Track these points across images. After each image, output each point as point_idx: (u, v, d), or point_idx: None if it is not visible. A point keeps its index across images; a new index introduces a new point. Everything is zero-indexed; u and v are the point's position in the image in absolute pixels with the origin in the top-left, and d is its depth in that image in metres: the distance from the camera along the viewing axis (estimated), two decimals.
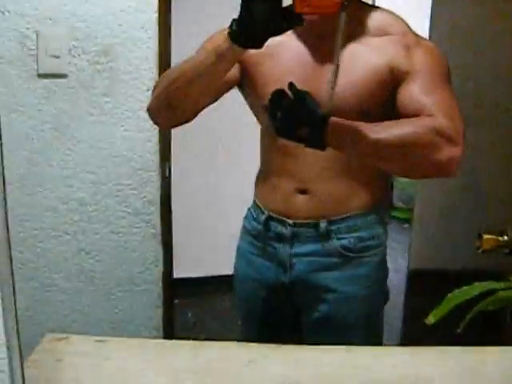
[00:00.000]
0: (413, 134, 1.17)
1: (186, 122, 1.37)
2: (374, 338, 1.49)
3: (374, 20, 1.33)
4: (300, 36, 1.35)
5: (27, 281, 1.92)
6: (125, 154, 1.91)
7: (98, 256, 1.98)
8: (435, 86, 1.24)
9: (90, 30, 1.81)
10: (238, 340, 1.39)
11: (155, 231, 1.99)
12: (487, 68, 2.91)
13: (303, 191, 1.39)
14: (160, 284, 2.04)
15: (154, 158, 1.93)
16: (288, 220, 1.42)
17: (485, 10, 2.81)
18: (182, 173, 2.68)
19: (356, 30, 1.30)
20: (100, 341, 1.27)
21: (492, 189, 2.98)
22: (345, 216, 1.40)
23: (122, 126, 1.89)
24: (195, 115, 1.36)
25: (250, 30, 1.07)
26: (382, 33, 1.31)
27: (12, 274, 0.77)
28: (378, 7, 1.39)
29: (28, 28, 1.78)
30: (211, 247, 3.32)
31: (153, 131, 1.89)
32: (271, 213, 1.45)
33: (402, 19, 1.35)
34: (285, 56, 1.35)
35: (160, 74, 1.79)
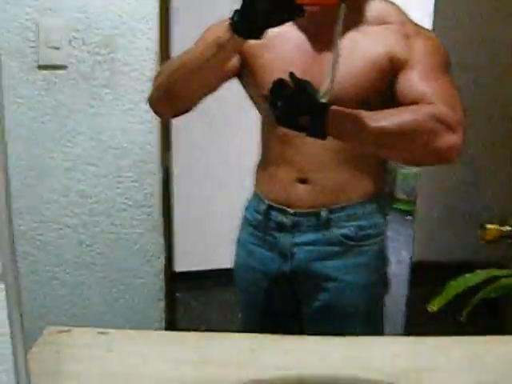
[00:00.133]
0: (413, 122, 1.17)
1: (187, 111, 1.38)
2: (374, 327, 1.50)
3: (372, 9, 1.33)
4: (300, 26, 1.35)
5: (27, 274, 1.92)
6: (125, 146, 1.91)
7: (99, 249, 1.98)
8: (435, 74, 1.24)
9: (90, 20, 1.80)
10: (239, 332, 1.40)
11: (156, 223, 1.99)
12: (488, 61, 2.91)
13: (303, 180, 1.40)
14: (161, 276, 2.04)
15: (155, 150, 1.93)
16: (289, 209, 1.42)
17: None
18: (182, 164, 2.68)
19: (355, 20, 1.30)
20: (102, 333, 1.27)
21: (494, 180, 2.98)
22: (345, 205, 1.41)
23: (123, 117, 1.88)
24: (195, 105, 1.37)
25: (251, 20, 1.08)
26: (381, 22, 1.31)
27: (15, 264, 0.76)
28: None
29: (28, 19, 1.77)
30: (212, 240, 3.32)
31: (153, 122, 1.89)
32: (272, 202, 1.45)
33: (400, 9, 1.34)
34: (285, 46, 1.35)
35: (160, 65, 1.78)
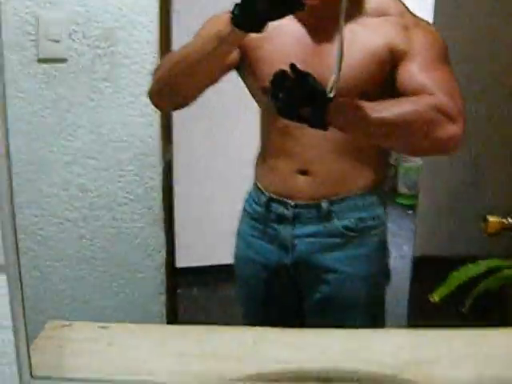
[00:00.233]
0: (414, 112, 1.18)
1: (187, 105, 1.38)
2: (376, 319, 1.50)
3: (371, 1, 1.33)
4: (300, 19, 1.35)
5: (27, 269, 1.91)
6: (126, 139, 1.90)
7: (100, 243, 1.97)
8: (435, 65, 1.25)
9: (90, 14, 1.79)
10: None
11: (157, 217, 1.99)
12: (488, 52, 2.89)
13: (304, 172, 1.40)
14: (162, 270, 2.04)
15: (156, 143, 1.92)
16: (289, 201, 1.43)
17: None
18: (183, 158, 2.67)
19: (354, 11, 1.31)
20: (103, 327, 1.28)
21: (496, 173, 2.97)
22: (346, 196, 1.41)
23: (123, 110, 1.88)
24: (196, 98, 1.37)
25: (251, 14, 1.08)
26: (380, 14, 1.32)
27: (18, 257, 0.76)
28: None
29: (27, 12, 1.76)
30: (213, 235, 3.31)
31: (154, 115, 1.88)
32: (272, 194, 1.46)
33: (399, 0, 1.35)
34: (284, 39, 1.36)
35: (161, 58, 1.78)
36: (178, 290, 2.36)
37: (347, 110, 1.16)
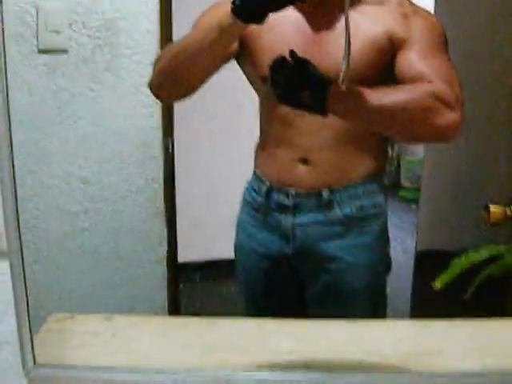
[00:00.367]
0: (412, 100, 1.19)
1: (188, 95, 1.38)
2: (377, 308, 1.51)
3: None
4: (300, 9, 1.35)
5: (29, 262, 1.90)
6: (127, 130, 1.89)
7: (102, 236, 1.97)
8: (433, 53, 1.26)
9: (91, 4, 1.78)
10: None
11: (159, 210, 1.98)
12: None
13: (305, 161, 1.40)
14: (164, 264, 2.04)
15: (157, 134, 1.92)
16: (290, 190, 1.43)
17: None
18: (184, 149, 2.65)
19: (353, 0, 1.29)
20: (107, 318, 1.28)
21: (499, 166, 2.96)
22: (346, 185, 1.42)
23: (124, 101, 1.87)
24: (197, 89, 1.36)
25: (252, 4, 1.08)
26: (379, 2, 1.33)
27: (20, 243, 0.76)
28: None
29: (27, 3, 1.75)
30: (216, 228, 3.30)
31: (155, 106, 1.87)
32: (272, 184, 1.46)
33: None
34: (284, 28, 1.36)
35: (161, 48, 1.77)
36: (181, 286, 2.36)
37: (347, 97, 1.16)
